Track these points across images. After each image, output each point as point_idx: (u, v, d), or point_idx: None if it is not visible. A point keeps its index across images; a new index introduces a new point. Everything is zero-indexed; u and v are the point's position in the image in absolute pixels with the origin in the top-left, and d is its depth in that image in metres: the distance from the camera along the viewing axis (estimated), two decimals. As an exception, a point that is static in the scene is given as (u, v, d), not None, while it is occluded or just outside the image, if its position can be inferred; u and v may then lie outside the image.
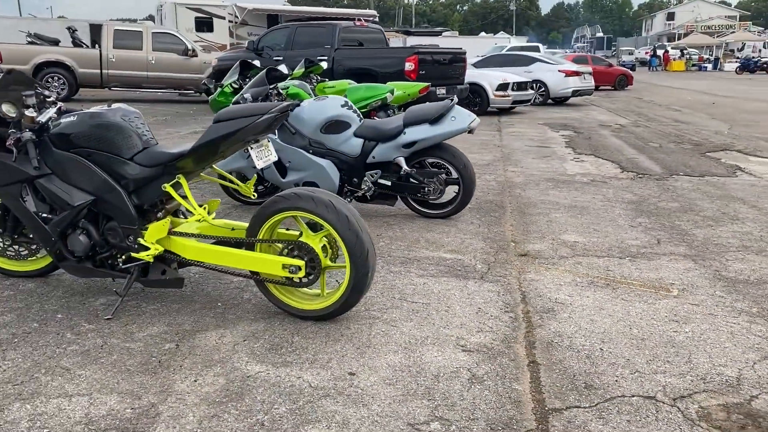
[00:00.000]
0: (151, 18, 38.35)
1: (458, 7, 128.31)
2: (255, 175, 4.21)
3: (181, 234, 3.37)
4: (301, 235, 3.23)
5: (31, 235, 3.74)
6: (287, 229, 3.34)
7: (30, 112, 3.28)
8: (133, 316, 3.35)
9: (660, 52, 45.21)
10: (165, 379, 2.69)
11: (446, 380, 2.67)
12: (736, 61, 41.36)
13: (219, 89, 7.10)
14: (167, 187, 3.28)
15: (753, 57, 40.86)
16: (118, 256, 3.43)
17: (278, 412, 2.44)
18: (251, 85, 5.42)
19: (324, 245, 3.20)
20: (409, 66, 12.16)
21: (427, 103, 5.25)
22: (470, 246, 4.58)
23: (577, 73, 17.83)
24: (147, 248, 3.34)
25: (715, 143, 10.09)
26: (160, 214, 3.44)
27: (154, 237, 3.33)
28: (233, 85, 7.12)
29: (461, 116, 4.97)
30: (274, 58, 13.01)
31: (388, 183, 5.18)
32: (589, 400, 2.53)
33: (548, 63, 18.07)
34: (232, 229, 3.40)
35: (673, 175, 7.40)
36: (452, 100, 5.06)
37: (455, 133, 4.96)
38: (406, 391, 2.58)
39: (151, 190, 3.32)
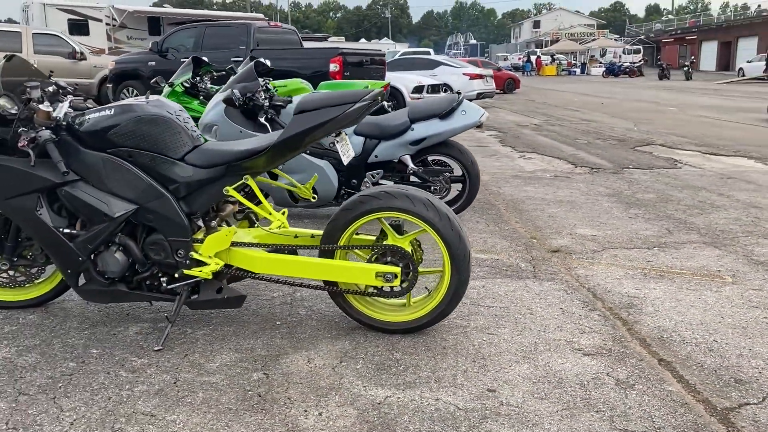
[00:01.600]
0: (11, 21, 34.94)
1: (331, 14, 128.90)
2: (315, 175, 3.74)
3: (245, 244, 2.90)
4: (384, 238, 2.88)
5: (30, 257, 3.09)
6: (357, 234, 2.96)
7: (45, 107, 2.70)
8: (184, 344, 2.84)
9: (533, 58, 47.78)
10: (283, 416, 2.26)
11: (595, 388, 2.44)
12: (601, 66, 44.53)
13: (169, 89, 6.43)
14: (231, 191, 2.81)
15: (616, 62, 44.17)
16: (160, 275, 2.89)
17: (448, 442, 2.10)
18: (238, 79, 4.90)
19: (412, 249, 2.87)
20: (333, 67, 11.82)
21: (430, 96, 4.99)
22: (496, 245, 4.39)
23: (480, 76, 18.26)
24: (203, 263, 2.85)
25: (636, 139, 10.61)
26: (213, 223, 2.95)
27: (213, 250, 2.84)
28: (185, 84, 6.50)
29: (471, 110, 4.77)
30: (181, 60, 12.22)
31: (391, 183, 4.87)
32: (752, 395, 2.41)
33: (452, 66, 18.37)
34: (312, 236, 2.97)
35: (624, 169, 7.64)
36: (459, 93, 4.86)
37: (467, 127, 4.76)
38: (566, 405, 2.33)
39: (207, 194, 2.83)
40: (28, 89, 2.75)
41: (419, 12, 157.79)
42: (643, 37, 57.02)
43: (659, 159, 8.44)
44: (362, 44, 38.10)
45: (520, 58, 51.49)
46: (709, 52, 45.74)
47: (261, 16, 28.40)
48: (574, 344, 2.82)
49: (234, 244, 2.88)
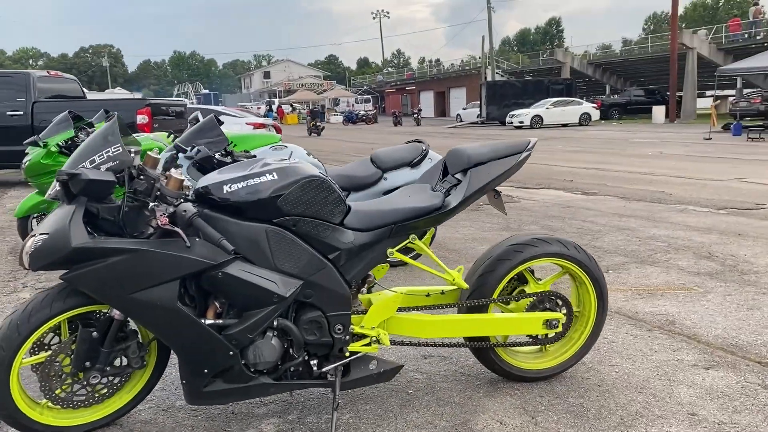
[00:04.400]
0: None
1: (31, 61, 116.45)
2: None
3: (408, 309, 2.68)
4: (525, 284, 2.91)
5: (118, 364, 2.46)
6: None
7: (177, 174, 2.26)
8: (351, 428, 2.52)
9: (274, 107, 48.87)
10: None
11: (753, 393, 2.79)
12: (339, 114, 47.36)
13: (40, 149, 5.40)
14: (396, 254, 2.59)
15: (352, 111, 47.37)
16: (308, 358, 2.53)
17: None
18: (198, 135, 4.36)
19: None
20: (142, 119, 10.92)
21: (393, 146, 5.01)
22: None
23: (263, 126, 18.25)
24: (363, 336, 2.58)
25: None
26: (363, 290, 2.68)
27: (377, 320, 2.59)
28: (60, 143, 5.51)
29: (435, 158, 4.92)
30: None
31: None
32: None
33: (235, 116, 18.10)
34: (442, 292, 2.85)
35: (480, 207, 8.40)
36: (423, 142, 4.98)
37: (432, 176, 4.88)
38: (756, 411, 2.62)
39: (368, 259, 2.59)
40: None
41: (135, 60, 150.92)
42: (366, 87, 62.13)
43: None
44: (106, 94, 35.23)
45: (258, 108, 52.28)
46: (427, 101, 51.67)
47: None
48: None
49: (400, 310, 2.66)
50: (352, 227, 2.54)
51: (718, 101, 24.46)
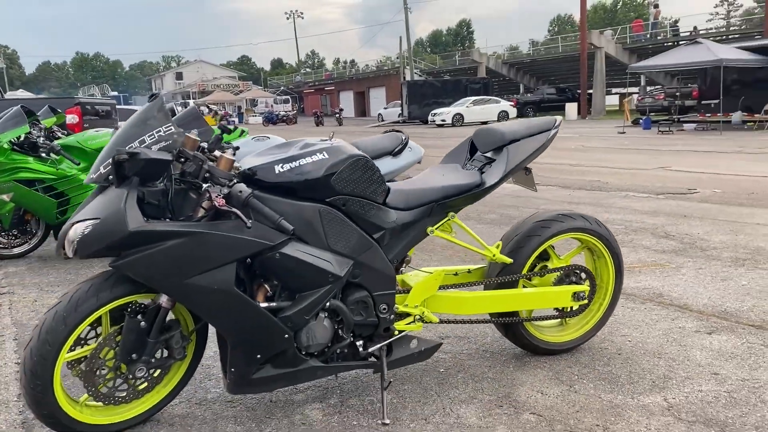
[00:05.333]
0: None
1: None
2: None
3: (465, 285, 2.71)
4: (546, 260, 2.99)
5: (159, 356, 2.36)
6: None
7: (229, 155, 2.20)
8: (398, 409, 2.52)
9: (206, 110, 47.39)
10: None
11: (758, 351, 2.99)
12: (259, 115, 46.54)
13: (-8, 146, 5.03)
14: (437, 232, 2.62)
15: (272, 111, 46.67)
16: (356, 339, 2.52)
17: None
18: (182, 124, 4.17)
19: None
20: (72, 118, 10.36)
21: (373, 137, 5.00)
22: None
23: (189, 126, 17.75)
24: (405, 315, 2.59)
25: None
26: (403, 268, 2.68)
27: (420, 298, 2.60)
28: (12, 140, 5.16)
29: (415, 147, 4.96)
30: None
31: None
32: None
33: (159, 116, 17.50)
34: (469, 271, 2.88)
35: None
36: (402, 132, 5.00)
37: (412, 164, 4.92)
38: None
39: (409, 238, 2.59)
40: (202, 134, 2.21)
41: (33, 62, 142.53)
42: (284, 87, 61.42)
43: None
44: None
45: (177, 110, 50.60)
46: (347, 101, 51.66)
47: None
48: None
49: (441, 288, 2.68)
50: (394, 206, 2.54)
51: (629, 97, 25.83)
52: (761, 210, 6.62)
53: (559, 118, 2.94)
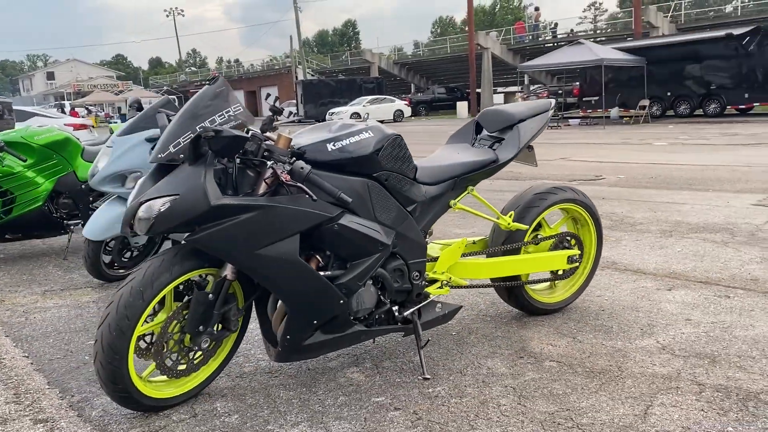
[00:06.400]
0: None
1: None
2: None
3: (470, 254, 2.96)
4: (539, 230, 3.32)
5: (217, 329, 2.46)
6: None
7: (286, 134, 2.37)
8: (444, 370, 2.77)
9: (67, 110, 44.70)
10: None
11: (714, 301, 3.49)
12: (144, 116, 44.52)
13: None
14: (458, 205, 2.88)
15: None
16: (392, 305, 2.73)
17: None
18: (152, 117, 4.14)
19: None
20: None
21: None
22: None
23: (84, 126, 16.90)
24: (434, 281, 2.83)
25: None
26: (427, 239, 2.91)
27: (446, 265, 2.85)
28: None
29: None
30: None
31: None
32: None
33: (50, 117, 16.53)
34: (474, 242, 3.15)
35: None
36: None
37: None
38: (727, 312, 3.31)
39: (435, 211, 2.85)
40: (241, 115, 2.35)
41: None
42: (167, 87, 59.26)
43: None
44: None
45: (73, 113, 47.49)
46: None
47: None
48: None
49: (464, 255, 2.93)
50: (423, 182, 2.77)
51: (517, 96, 27.34)
52: (665, 191, 7.42)
53: (552, 101, 3.29)
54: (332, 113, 31.78)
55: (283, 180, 2.27)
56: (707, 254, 4.48)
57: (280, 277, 2.34)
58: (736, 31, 20.27)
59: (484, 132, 3.16)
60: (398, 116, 32.36)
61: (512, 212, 3.10)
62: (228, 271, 2.37)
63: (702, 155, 10.96)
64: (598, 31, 37.31)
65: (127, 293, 2.21)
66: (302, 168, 2.28)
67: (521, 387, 2.56)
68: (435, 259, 2.86)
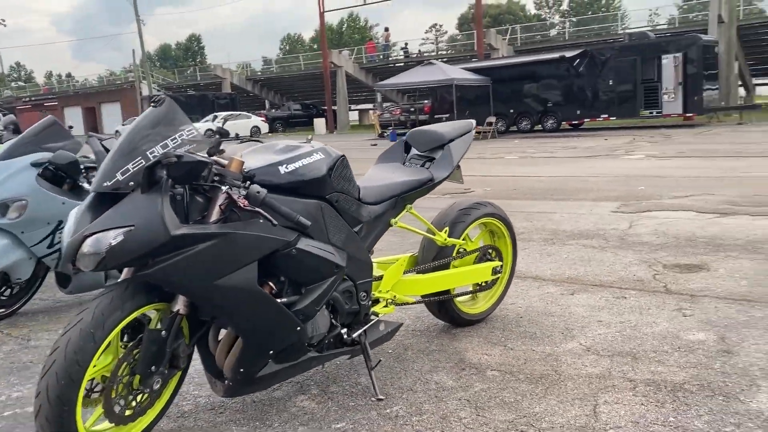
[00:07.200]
0: None
1: None
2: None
3: (411, 271, 2.99)
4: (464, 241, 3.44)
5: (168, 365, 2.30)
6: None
7: (239, 156, 2.31)
8: (395, 389, 2.79)
9: None
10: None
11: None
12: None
13: None
14: (399, 223, 2.91)
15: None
16: (343, 327, 2.71)
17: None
18: (42, 139, 3.75)
19: None
20: None
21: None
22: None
23: None
24: (378, 301, 2.85)
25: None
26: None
27: (390, 283, 2.88)
28: None
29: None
30: None
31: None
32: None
33: None
34: (411, 257, 3.20)
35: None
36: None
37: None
38: (628, 311, 3.64)
39: (378, 230, 2.87)
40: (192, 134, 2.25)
41: None
42: (-8, 103, 53.73)
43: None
44: None
45: None
46: (75, 117, 47.04)
47: None
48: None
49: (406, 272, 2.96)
50: (367, 201, 2.77)
51: (378, 113, 28.03)
52: (532, 201, 7.98)
53: (473, 121, 3.44)
54: (184, 130, 30.59)
55: (241, 205, 2.17)
56: (592, 259, 4.88)
57: (239, 307, 2.23)
58: (569, 54, 22.32)
59: (414, 151, 3.23)
60: (255, 132, 31.84)
61: (447, 228, 3.18)
62: (180, 305, 2.21)
63: (552, 167, 11.90)
64: (442, 52, 39.36)
65: (75, 336, 1.99)
66: (258, 192, 2.19)
67: (474, 398, 2.64)
68: (378, 278, 2.87)
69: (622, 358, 2.96)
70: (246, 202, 2.17)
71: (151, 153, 2.11)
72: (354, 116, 39.23)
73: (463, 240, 3.28)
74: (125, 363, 2.15)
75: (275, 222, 2.20)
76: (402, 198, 2.92)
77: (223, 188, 2.19)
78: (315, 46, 71.62)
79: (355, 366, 3.02)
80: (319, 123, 33.11)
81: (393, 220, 2.92)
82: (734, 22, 24.21)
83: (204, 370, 2.53)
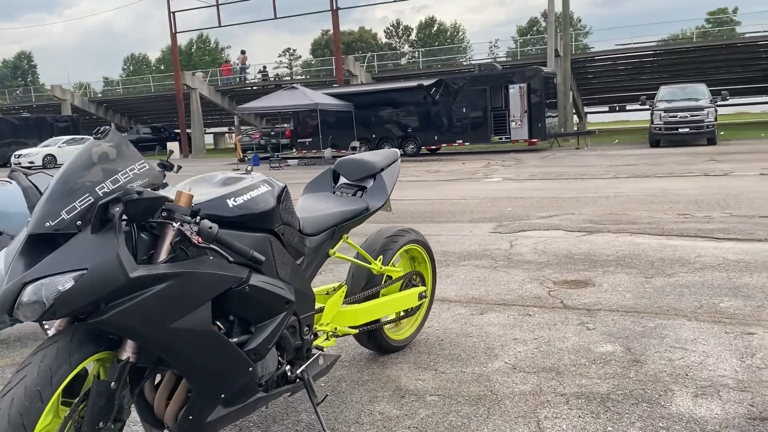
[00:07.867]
0: None
1: None
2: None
3: (353, 302, 2.95)
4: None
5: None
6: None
7: (188, 191, 2.21)
8: (340, 423, 2.74)
9: None
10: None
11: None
12: None
13: None
14: (337, 254, 2.88)
15: None
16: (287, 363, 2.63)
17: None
18: None
19: None
20: None
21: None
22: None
23: None
24: (318, 334, 2.81)
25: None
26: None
27: (331, 315, 2.83)
28: None
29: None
30: None
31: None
32: (547, 299, 4.50)
33: None
34: (337, 287, 3.16)
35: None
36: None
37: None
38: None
39: (317, 261, 2.82)
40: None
41: None
42: None
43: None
44: None
45: None
46: None
47: None
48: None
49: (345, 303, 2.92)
50: (306, 233, 2.72)
51: (239, 136, 27.42)
52: (414, 224, 8.20)
53: (398, 150, 3.49)
54: (19, 155, 28.09)
55: (195, 242, 2.04)
56: (488, 279, 5.11)
57: (193, 350, 2.08)
58: (426, 82, 23.32)
59: (343, 180, 3.21)
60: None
61: (381, 256, 3.19)
62: (129, 352, 2.03)
63: (422, 191, 12.32)
64: (298, 77, 39.51)
65: (20, 396, 1.75)
66: (210, 227, 2.07)
67: (423, 426, 2.65)
68: (320, 311, 2.81)
69: (547, 374, 3.13)
70: (200, 239, 2.05)
71: (100, 189, 1.93)
72: (209, 139, 38.08)
73: (390, 267, 3.30)
74: (70, 421, 1.92)
75: (231, 258, 2.09)
76: (339, 228, 2.90)
77: (175, 224, 2.05)
78: (162, 67, 68.87)
79: (291, 403, 2.93)
80: (173, 146, 31.74)
81: (331, 251, 2.88)
82: (569, 56, 26.64)
83: (140, 421, 2.32)
